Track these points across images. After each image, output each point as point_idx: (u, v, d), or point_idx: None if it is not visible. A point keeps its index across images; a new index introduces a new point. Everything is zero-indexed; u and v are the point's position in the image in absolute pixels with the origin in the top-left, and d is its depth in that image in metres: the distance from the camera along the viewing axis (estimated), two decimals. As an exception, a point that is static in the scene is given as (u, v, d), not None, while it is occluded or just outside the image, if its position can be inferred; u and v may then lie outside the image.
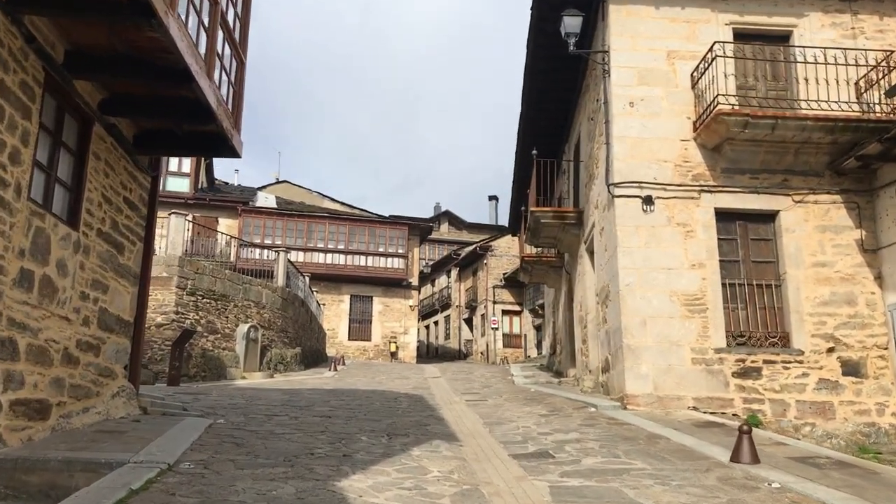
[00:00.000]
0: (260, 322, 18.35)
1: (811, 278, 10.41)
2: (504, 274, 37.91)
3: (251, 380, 16.80)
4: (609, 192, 10.82)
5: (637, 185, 10.61)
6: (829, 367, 10.10)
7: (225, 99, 7.68)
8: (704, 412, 9.75)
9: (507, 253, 38.90)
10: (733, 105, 10.17)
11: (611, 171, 10.82)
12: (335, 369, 20.37)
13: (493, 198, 57.66)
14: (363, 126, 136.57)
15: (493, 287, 38.23)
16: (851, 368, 10.12)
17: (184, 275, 16.24)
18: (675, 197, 10.61)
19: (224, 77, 7.64)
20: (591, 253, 13.48)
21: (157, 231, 20.67)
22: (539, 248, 18.38)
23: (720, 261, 10.48)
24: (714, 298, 10.27)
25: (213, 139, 7.77)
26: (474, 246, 41.68)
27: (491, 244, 39.67)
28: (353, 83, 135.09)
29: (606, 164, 10.97)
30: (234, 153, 7.96)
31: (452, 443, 7.62)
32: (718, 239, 10.57)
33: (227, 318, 17.33)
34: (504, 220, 64.20)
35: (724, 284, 10.41)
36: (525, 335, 37.20)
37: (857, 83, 10.69)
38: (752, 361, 10.05)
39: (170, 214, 16.74)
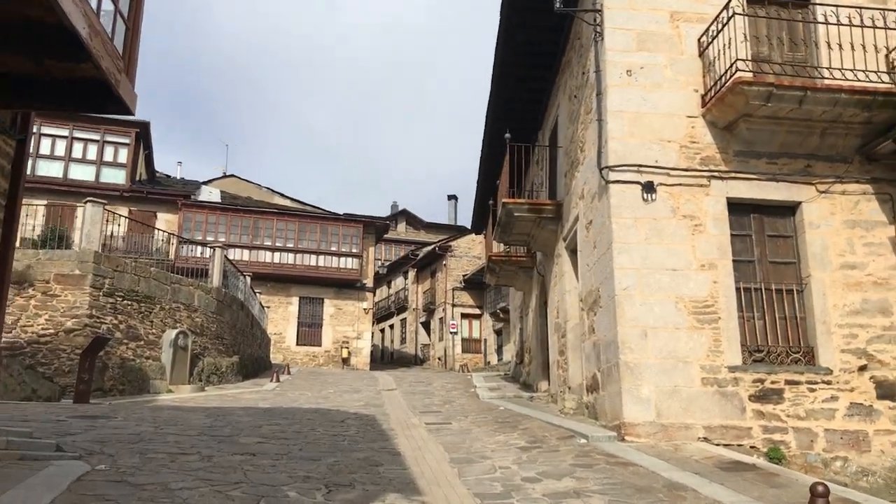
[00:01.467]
0: (191, 327, 16.16)
1: (839, 282, 8.76)
2: (464, 275, 36.12)
3: (178, 394, 14.61)
4: (602, 177, 9.02)
5: (636, 168, 8.83)
6: (861, 389, 8.45)
7: (109, 31, 5.65)
8: (717, 444, 8.00)
9: (467, 253, 37.13)
10: (755, 73, 8.46)
11: (604, 153, 9.03)
12: (277, 380, 18.25)
13: (452, 197, 55.96)
14: (320, 125, 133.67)
15: (453, 289, 36.39)
16: (887, 390, 8.49)
17: (100, 272, 13.99)
18: (680, 184, 8.86)
19: (107, 2, 5.61)
20: (572, 251, 11.70)
21: (76, 223, 18.33)
22: (507, 247, 16.59)
23: (733, 261, 8.76)
24: (727, 306, 8.54)
25: (93, 87, 5.72)
26: (433, 246, 39.79)
27: (451, 244, 37.84)
28: (311, 81, 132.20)
29: (599, 144, 9.17)
30: (123, 108, 5.91)
31: (412, 498, 5.70)
32: (731, 235, 8.85)
33: (151, 322, 15.12)
34: (464, 221, 62.14)
35: (737, 289, 8.69)
36: (485, 340, 35.43)
37: (888, 54, 9.07)
38: (773, 382, 8.35)
39: (85, 202, 14.47)
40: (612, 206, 8.74)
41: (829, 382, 8.41)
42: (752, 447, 8.07)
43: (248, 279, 21.23)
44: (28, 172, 24.04)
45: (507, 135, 12.54)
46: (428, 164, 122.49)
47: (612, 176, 8.83)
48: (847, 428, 8.27)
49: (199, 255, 25.74)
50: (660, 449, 7.66)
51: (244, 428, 9.33)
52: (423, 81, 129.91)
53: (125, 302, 14.50)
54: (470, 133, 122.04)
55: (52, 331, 13.51)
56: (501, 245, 17.28)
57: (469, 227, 41.29)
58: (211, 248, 18.10)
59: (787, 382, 8.36)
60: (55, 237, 16.01)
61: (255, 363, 20.78)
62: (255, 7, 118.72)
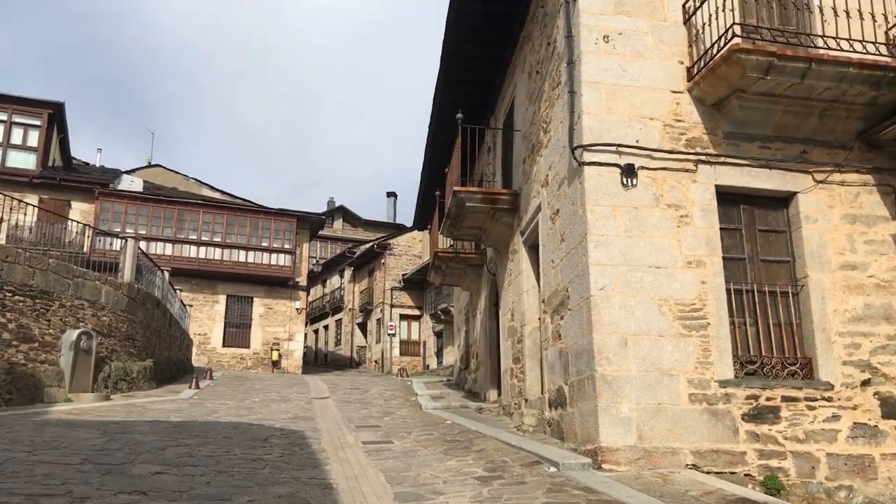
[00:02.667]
0: (97, 327, 14.26)
1: (839, 284, 7.71)
2: (403, 275, 34.70)
3: (78, 403, 12.75)
4: (574, 158, 7.76)
5: (615, 149, 7.59)
6: (865, 407, 7.41)
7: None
8: (708, 471, 6.82)
9: (407, 252, 35.73)
10: (754, 40, 7.32)
11: (577, 130, 7.77)
12: (197, 387, 16.45)
13: (391, 194, 54.41)
14: (254, 122, 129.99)
15: (392, 289, 34.92)
16: (893, 408, 7.46)
17: (-16, 263, 12.04)
18: (664, 168, 7.66)
19: None
20: (531, 247, 10.44)
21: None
22: (455, 244, 15.26)
23: (722, 258, 7.61)
24: (717, 310, 7.37)
25: None
26: (371, 243, 38.25)
27: (390, 242, 36.37)
28: (247, 77, 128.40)
29: (570, 121, 7.91)
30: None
31: (348, 563, 4.27)
32: (719, 228, 7.70)
33: (49, 321, 13.18)
34: (404, 219, 60.57)
35: (727, 290, 7.54)
36: (425, 343, 34.08)
37: (888, 30, 8.08)
38: (769, 399, 7.22)
39: (-32, 182, 12.46)
40: (586, 192, 7.47)
41: (829, 399, 7.33)
42: (746, 475, 6.92)
43: (167, 274, 19.30)
44: None
45: (459, 115, 11.20)
46: (366, 162, 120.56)
47: (587, 157, 7.57)
48: (851, 452, 7.20)
49: (117, 248, 23.57)
50: (646, 480, 6.40)
51: (143, 451, 7.70)
52: (360, 74, 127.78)
53: (16, 297, 12.55)
54: (410, 128, 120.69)
55: (-78, 331, 11.52)
56: (447, 241, 15.94)
57: (409, 226, 39.96)
58: (122, 238, 16.18)
59: (784, 399, 7.24)
60: (-64, 223, 13.89)
61: (174, 367, 18.87)
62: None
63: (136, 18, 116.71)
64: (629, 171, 7.51)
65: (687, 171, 7.69)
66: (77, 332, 13.47)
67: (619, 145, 7.58)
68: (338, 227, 51.65)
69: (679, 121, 7.81)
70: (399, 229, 41.83)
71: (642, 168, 7.57)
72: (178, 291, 21.62)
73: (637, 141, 7.64)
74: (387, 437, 9.66)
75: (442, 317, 30.70)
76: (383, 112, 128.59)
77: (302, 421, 11.41)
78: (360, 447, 8.85)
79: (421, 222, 19.92)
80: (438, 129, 15.12)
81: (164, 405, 13.12)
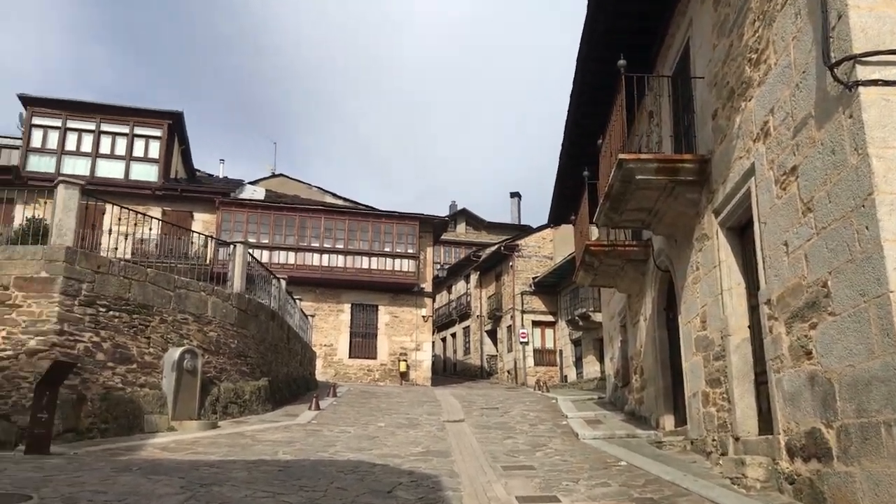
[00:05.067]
0: (203, 344, 12.67)
1: None
2: (534, 278, 32.12)
3: (181, 433, 11.12)
4: (835, 80, 5.04)
5: (907, 59, 4.82)
6: None
7: None
8: None
9: (536, 253, 33.14)
10: None
11: (838, 37, 5.05)
12: (317, 408, 14.64)
13: (515, 195, 52.04)
14: (374, 132, 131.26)
15: (522, 293, 32.40)
16: None
17: (74, 275, 10.61)
18: None
19: None
20: (735, 229, 7.72)
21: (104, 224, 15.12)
22: (609, 235, 12.63)
23: None
24: None
25: None
26: (497, 245, 35.90)
27: (517, 243, 33.89)
28: (361, 84, 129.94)
29: (823, 25, 5.20)
30: None
31: None
32: None
33: (148, 339, 11.67)
34: (529, 220, 58.27)
35: None
36: (560, 351, 31.31)
37: None
38: None
39: (57, 184, 11.11)
40: (866, 128, 4.74)
41: None
42: None
43: (284, 283, 17.72)
44: (54, 170, 21.19)
45: (622, 61, 8.62)
46: (488, 163, 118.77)
47: (862, 73, 4.83)
48: None
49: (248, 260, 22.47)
50: None
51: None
52: (480, 76, 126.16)
53: (110, 313, 11.08)
54: (532, 124, 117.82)
55: (10, 352, 10.15)
56: (597, 234, 13.33)
57: (535, 227, 37.38)
58: (231, 244, 14.64)
59: None
60: (35, 232, 12.71)
61: (293, 385, 17.25)
62: (319, 10, 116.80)
63: (261, 37, 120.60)
64: (935, 93, 4.72)
65: None
66: (180, 350, 11.91)
67: (914, 54, 4.81)
68: (460, 230, 49.75)
69: None
70: (524, 230, 39.28)
71: (954, 87, 4.76)
72: (297, 301, 20.10)
73: (940, 46, 4.83)
74: (547, 489, 7.21)
75: (580, 323, 27.90)
76: (503, 114, 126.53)
77: (435, 458, 9.15)
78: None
79: (558, 216, 17.28)
80: (582, 99, 12.58)
81: (275, 434, 11.27)
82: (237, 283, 13.98)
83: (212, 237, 22.58)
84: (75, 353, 10.40)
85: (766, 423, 6.96)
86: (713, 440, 8.12)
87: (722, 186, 7.79)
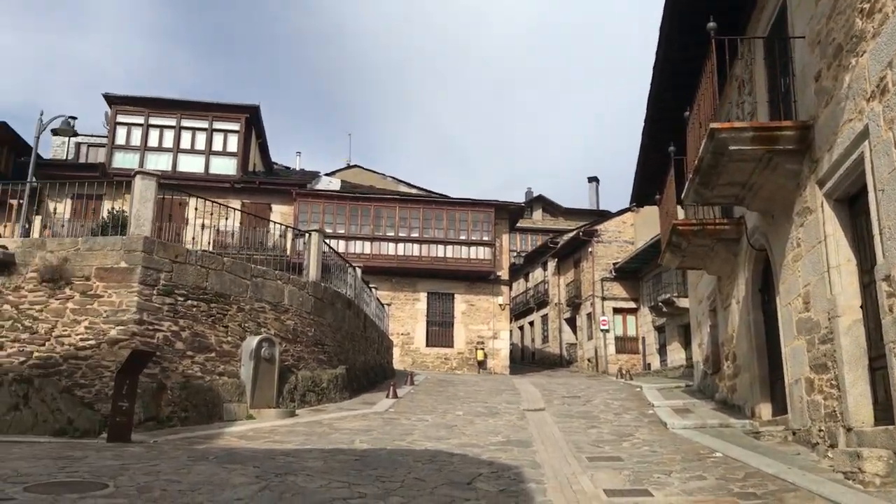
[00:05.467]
0: (280, 333, 12.64)
1: None
2: (615, 264, 31.24)
3: (260, 421, 11.09)
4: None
5: None
6: None
7: None
8: None
9: (616, 238, 32.23)
10: None
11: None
12: (395, 396, 14.47)
13: (593, 179, 50.94)
14: (449, 122, 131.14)
15: (602, 280, 31.58)
16: None
17: (153, 265, 10.69)
18: None
19: None
20: (843, 201, 7.03)
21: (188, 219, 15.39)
22: (697, 214, 11.93)
23: None
24: None
25: None
26: (576, 231, 35.10)
27: (596, 228, 33.04)
28: (438, 75, 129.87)
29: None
30: None
31: None
32: None
33: (226, 328, 11.69)
34: (608, 205, 56.94)
35: None
36: (643, 338, 30.37)
37: None
38: None
39: (134, 175, 11.21)
40: None
41: None
42: None
43: (359, 271, 17.62)
44: (137, 166, 21.78)
45: (711, 24, 7.98)
46: (564, 151, 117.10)
47: None
48: None
49: (325, 250, 22.59)
50: None
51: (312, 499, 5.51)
52: (559, 63, 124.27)
53: (188, 302, 11.13)
54: (612, 111, 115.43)
55: (92, 342, 10.31)
56: (670, 215, 12.63)
57: (614, 211, 36.30)
58: (306, 233, 14.58)
59: None
60: (116, 224, 12.92)
61: (370, 373, 17.15)
62: (401, 9, 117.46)
63: (338, 28, 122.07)
64: None
65: None
66: (258, 338, 11.89)
67: None
68: (537, 217, 49.03)
69: None
70: (603, 216, 38.30)
71: None
72: (373, 290, 20.01)
73: None
74: (637, 482, 6.73)
75: (664, 309, 26.93)
76: (582, 99, 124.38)
77: (516, 448, 8.77)
78: (604, 500, 6.02)
79: (641, 196, 16.56)
80: (665, 72, 11.88)
81: (353, 423, 11.11)
82: (313, 271, 13.90)
83: (289, 227, 22.77)
84: (154, 343, 10.47)
85: (883, 412, 6.28)
86: (819, 431, 7.44)
87: (827, 154, 7.08)
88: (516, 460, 7.96)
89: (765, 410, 10.13)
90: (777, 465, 6.95)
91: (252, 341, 11.84)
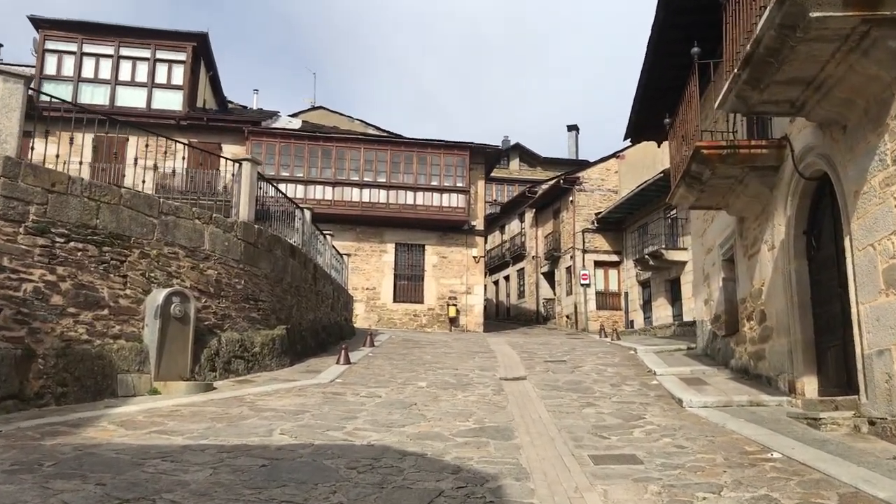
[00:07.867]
0: (198, 285, 10.14)
1: None
2: (597, 214, 28.93)
3: (163, 399, 8.64)
4: None
5: None
6: None
7: None
8: None
9: (600, 186, 29.87)
10: None
11: None
12: (346, 361, 12.08)
13: (573, 128, 48.40)
14: (421, 68, 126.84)
15: (583, 231, 29.27)
16: None
17: (17, 193, 8.04)
18: None
19: None
20: None
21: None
22: (725, 134, 9.53)
23: None
24: None
25: None
26: (556, 178, 32.69)
27: (578, 175, 30.61)
28: (414, 23, 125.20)
29: None
30: None
31: None
32: None
33: (124, 278, 9.14)
34: (587, 155, 54.47)
35: None
36: (626, 294, 28.25)
37: None
38: None
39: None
40: None
41: None
42: None
43: (308, 214, 15.03)
44: (70, 99, 18.81)
45: None
46: (545, 101, 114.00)
47: None
48: None
49: (271, 194, 19.95)
50: None
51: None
52: (537, 16, 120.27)
53: (71, 245, 8.53)
54: (591, 61, 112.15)
55: (-67, 295, 7.73)
56: (686, 140, 10.18)
57: (593, 160, 33.63)
58: (236, 162, 11.95)
59: None
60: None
61: (322, 333, 14.72)
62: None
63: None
64: None
65: None
66: (166, 291, 9.37)
67: None
68: (514, 167, 46.52)
69: None
70: (583, 166, 35.83)
71: None
72: (328, 237, 17.44)
73: None
74: (663, 497, 4.44)
75: (650, 262, 24.75)
76: (561, 51, 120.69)
77: (492, 442, 6.43)
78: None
79: (639, 128, 14.03)
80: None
81: (283, 399, 8.70)
82: (244, 209, 11.35)
83: (226, 159, 20.01)
84: (20, 296, 7.91)
85: None
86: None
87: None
88: (493, 463, 5.63)
89: (809, 386, 7.91)
90: (882, 480, 4.69)
91: (158, 295, 9.31)
